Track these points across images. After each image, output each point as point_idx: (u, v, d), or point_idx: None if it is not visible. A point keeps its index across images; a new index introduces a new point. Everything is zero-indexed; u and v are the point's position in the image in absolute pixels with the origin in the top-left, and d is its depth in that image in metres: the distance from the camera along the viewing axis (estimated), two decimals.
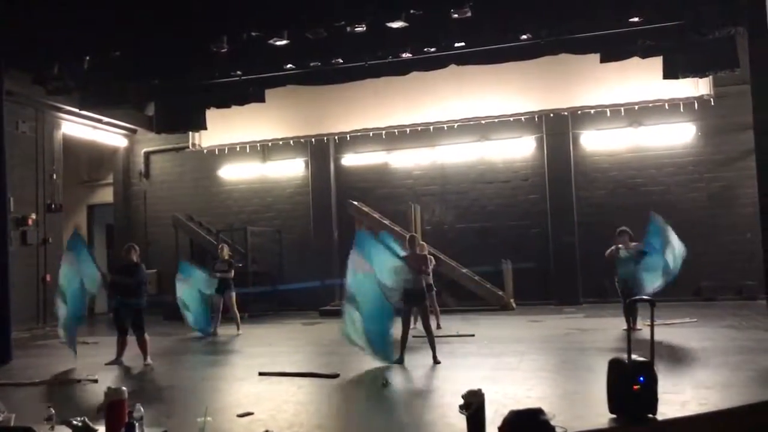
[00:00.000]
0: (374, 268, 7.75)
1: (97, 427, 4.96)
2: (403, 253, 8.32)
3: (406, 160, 16.07)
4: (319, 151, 16.38)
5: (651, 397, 4.88)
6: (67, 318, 9.15)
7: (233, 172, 17.23)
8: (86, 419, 5.03)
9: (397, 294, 7.82)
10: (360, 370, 7.70)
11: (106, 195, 18.22)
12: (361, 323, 7.77)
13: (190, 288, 11.66)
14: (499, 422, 4.47)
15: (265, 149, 16.82)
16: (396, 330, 7.94)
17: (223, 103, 12.97)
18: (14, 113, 13.15)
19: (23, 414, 5.62)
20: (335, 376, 7.26)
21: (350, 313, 7.88)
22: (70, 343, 9.19)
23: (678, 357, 7.50)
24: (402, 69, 11.73)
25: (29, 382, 7.61)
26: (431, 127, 15.17)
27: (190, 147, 16.81)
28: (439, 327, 10.76)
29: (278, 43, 9.86)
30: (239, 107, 13.20)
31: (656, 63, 11.39)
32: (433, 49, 10.85)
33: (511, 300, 14.12)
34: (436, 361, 7.85)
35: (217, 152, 16.78)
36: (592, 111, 14.37)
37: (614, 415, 4.94)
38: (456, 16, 9.18)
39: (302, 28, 9.62)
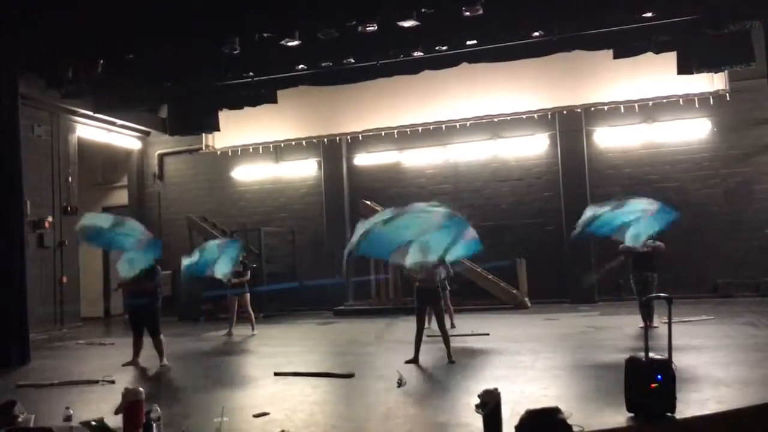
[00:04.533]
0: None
1: (114, 428, 4.99)
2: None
3: (419, 159, 16.05)
4: (332, 151, 16.41)
5: (669, 396, 4.84)
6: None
7: (246, 173, 17.30)
8: (104, 420, 5.06)
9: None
10: (375, 369, 7.70)
11: (120, 197, 18.36)
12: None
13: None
14: (515, 421, 4.45)
15: (278, 150, 16.87)
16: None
17: (236, 105, 13.03)
18: (30, 117, 13.29)
19: (42, 415, 5.68)
20: (350, 375, 7.27)
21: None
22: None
23: (696, 355, 7.43)
24: (414, 68, 11.71)
25: (48, 383, 7.68)
26: (443, 126, 15.14)
27: (204, 148, 16.90)
28: (453, 326, 10.74)
29: (290, 43, 9.87)
30: (252, 108, 13.26)
31: (670, 58, 11.29)
32: (444, 48, 10.83)
33: (526, 298, 14.06)
34: (450, 361, 7.83)
35: (230, 153, 16.85)
36: (606, 107, 14.28)
37: (632, 414, 4.90)
38: (467, 13, 9.14)
39: (314, 28, 9.62)
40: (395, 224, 7.41)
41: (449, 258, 8.03)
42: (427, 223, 7.55)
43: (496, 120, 14.80)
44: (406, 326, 10.02)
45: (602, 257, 13.81)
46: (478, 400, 4.68)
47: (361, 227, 7.51)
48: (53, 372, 8.48)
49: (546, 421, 4.36)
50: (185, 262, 10.84)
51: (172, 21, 9.51)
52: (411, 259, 7.65)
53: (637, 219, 9.03)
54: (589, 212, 9.21)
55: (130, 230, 8.96)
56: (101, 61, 10.60)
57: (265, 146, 16.58)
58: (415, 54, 10.88)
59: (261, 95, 12.79)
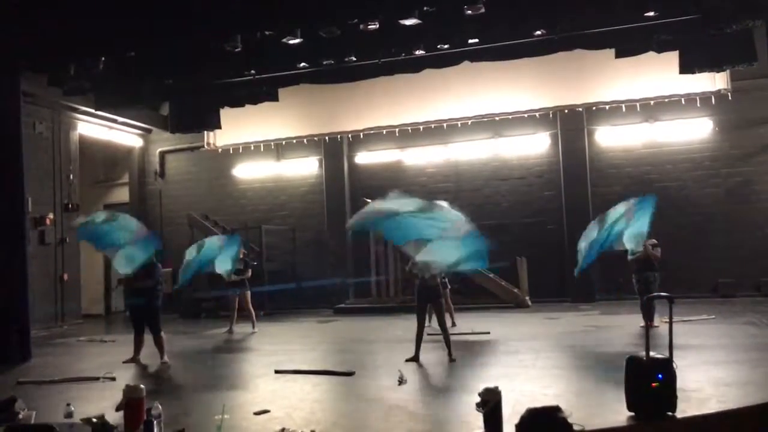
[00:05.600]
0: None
1: (115, 425, 5.00)
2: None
3: (420, 157, 16.05)
4: (333, 149, 16.40)
5: (670, 395, 4.84)
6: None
7: (247, 171, 17.30)
8: (105, 417, 5.08)
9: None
10: (375, 367, 7.71)
11: (121, 194, 18.36)
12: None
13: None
14: (516, 420, 4.45)
15: (279, 148, 16.87)
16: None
17: (237, 103, 13.02)
18: (31, 114, 13.29)
19: (43, 411, 5.69)
20: (351, 373, 7.27)
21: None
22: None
23: (697, 354, 7.43)
24: (415, 66, 11.70)
25: (49, 380, 7.69)
26: (444, 125, 15.13)
27: (205, 146, 16.90)
28: (453, 324, 10.74)
29: (291, 41, 9.86)
30: (253, 106, 13.25)
31: (672, 58, 11.26)
32: (446, 46, 10.81)
33: (527, 297, 14.05)
34: (451, 359, 7.84)
35: (231, 151, 16.85)
36: (607, 107, 14.27)
37: (632, 413, 4.90)
38: (469, 12, 9.12)
39: (315, 26, 9.61)
40: (423, 217, 7.32)
41: (453, 268, 7.96)
42: (452, 229, 7.40)
43: (497, 119, 14.79)
44: (407, 324, 10.01)
45: (603, 258, 13.86)
46: (478, 399, 4.69)
47: (384, 205, 7.44)
48: (54, 369, 8.50)
49: (546, 420, 4.36)
50: (187, 257, 10.80)
51: (173, 18, 9.50)
52: (423, 256, 7.49)
53: (624, 224, 8.96)
54: (582, 245, 8.93)
55: (124, 225, 8.82)
56: (103, 59, 10.59)
57: (267, 144, 16.59)
58: (417, 52, 10.86)
59: (262, 93, 12.79)
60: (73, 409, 5.53)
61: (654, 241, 9.80)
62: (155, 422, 4.68)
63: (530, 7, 9.74)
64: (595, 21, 10.17)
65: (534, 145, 15.29)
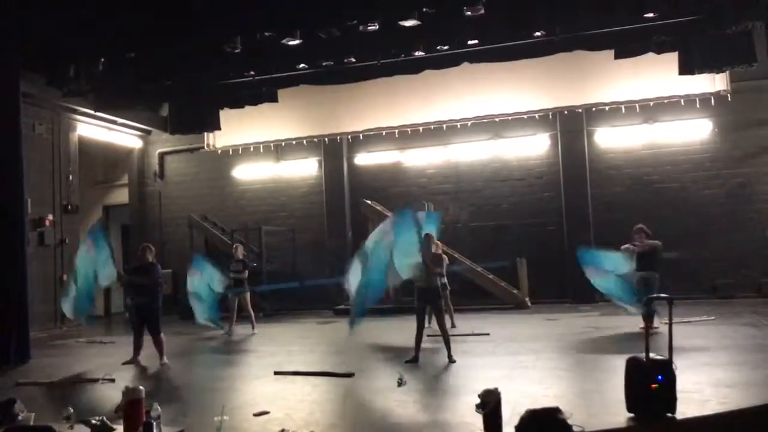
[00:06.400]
0: (396, 245, 7.62)
1: (115, 426, 5.00)
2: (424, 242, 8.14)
3: (420, 158, 16.04)
4: (332, 150, 16.40)
5: (670, 396, 4.83)
6: (76, 297, 9.17)
7: (247, 172, 17.30)
8: (104, 418, 5.08)
9: (398, 281, 7.77)
10: (375, 369, 7.70)
11: (121, 196, 18.36)
12: (360, 281, 7.82)
13: (202, 280, 11.16)
14: (515, 421, 4.45)
15: (279, 149, 16.87)
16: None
17: (237, 104, 13.04)
18: (31, 115, 13.27)
19: (42, 413, 5.68)
20: (350, 375, 7.26)
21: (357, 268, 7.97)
22: (79, 314, 9.43)
23: (697, 355, 7.42)
24: (415, 67, 11.72)
25: (48, 381, 7.68)
26: (444, 126, 15.12)
27: (205, 147, 16.89)
28: (453, 326, 10.73)
29: (291, 42, 9.88)
30: (253, 107, 13.26)
31: (672, 59, 11.28)
32: (446, 47, 10.83)
33: (526, 298, 14.05)
34: (451, 360, 7.83)
35: (231, 152, 16.85)
36: (607, 108, 14.26)
37: (632, 414, 4.90)
38: (469, 13, 9.14)
39: (315, 27, 9.63)
40: (372, 258, 7.81)
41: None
42: (382, 236, 7.90)
43: (497, 120, 14.79)
44: (407, 326, 10.00)
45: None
46: (478, 400, 4.68)
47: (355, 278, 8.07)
48: (53, 370, 8.49)
49: (546, 421, 4.35)
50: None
51: (173, 19, 9.51)
52: (404, 272, 7.82)
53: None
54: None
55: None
56: (102, 60, 10.60)
57: (266, 145, 16.58)
58: (417, 53, 10.88)
59: (262, 94, 12.81)
60: (72, 410, 5.52)
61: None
62: (154, 423, 4.68)
63: (530, 8, 9.75)
64: (594, 22, 10.19)
65: (534, 146, 15.29)
